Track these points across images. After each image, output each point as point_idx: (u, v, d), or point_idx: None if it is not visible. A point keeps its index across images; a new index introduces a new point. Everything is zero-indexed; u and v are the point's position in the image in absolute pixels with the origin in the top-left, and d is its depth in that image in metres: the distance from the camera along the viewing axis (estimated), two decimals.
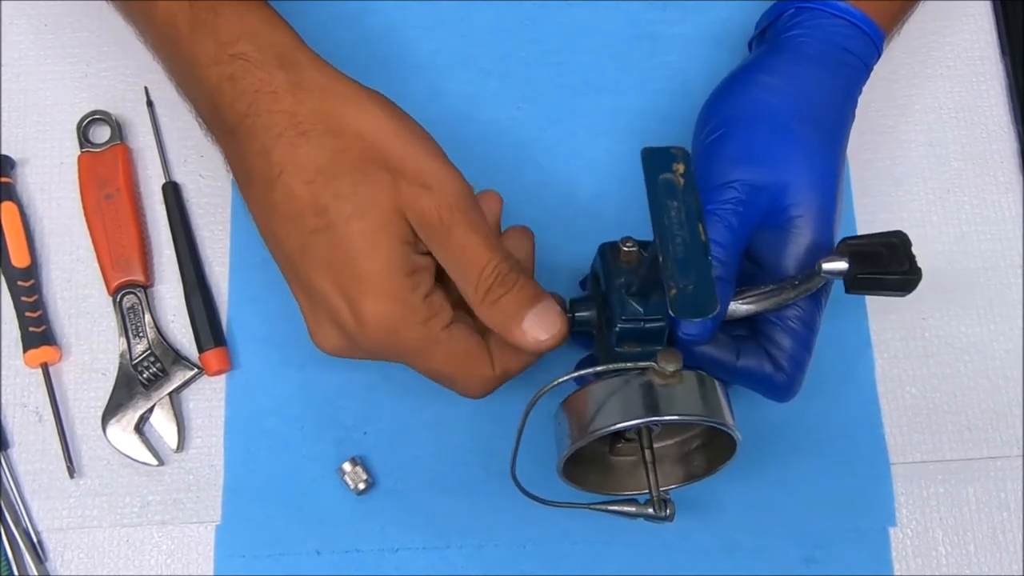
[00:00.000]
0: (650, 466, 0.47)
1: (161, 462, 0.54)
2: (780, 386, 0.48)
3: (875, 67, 0.53)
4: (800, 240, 0.49)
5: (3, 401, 0.56)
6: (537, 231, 0.51)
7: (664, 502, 0.47)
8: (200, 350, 0.55)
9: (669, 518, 0.46)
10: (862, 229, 0.57)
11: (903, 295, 0.47)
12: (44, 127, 0.60)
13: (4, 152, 0.59)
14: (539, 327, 0.46)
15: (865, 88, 0.53)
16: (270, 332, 0.56)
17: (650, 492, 0.46)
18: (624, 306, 0.46)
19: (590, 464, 0.50)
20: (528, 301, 0.46)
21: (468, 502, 0.54)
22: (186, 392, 0.56)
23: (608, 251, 0.48)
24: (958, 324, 0.57)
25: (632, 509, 0.47)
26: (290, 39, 0.48)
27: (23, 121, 0.60)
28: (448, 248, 0.45)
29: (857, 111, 0.52)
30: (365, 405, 0.55)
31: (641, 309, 0.46)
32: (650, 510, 0.46)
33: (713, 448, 0.50)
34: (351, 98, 0.46)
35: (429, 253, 0.46)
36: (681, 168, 0.43)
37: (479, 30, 0.60)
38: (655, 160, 0.43)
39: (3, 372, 0.56)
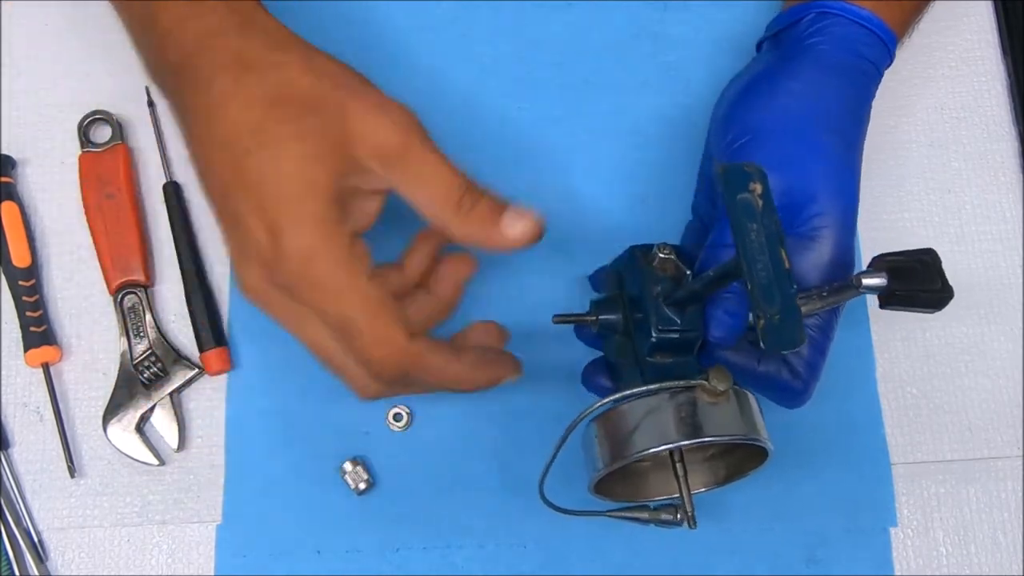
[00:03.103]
0: (682, 480, 0.47)
1: (162, 462, 0.54)
2: (796, 392, 0.48)
3: None
4: (823, 249, 0.48)
5: (4, 401, 0.56)
6: None
7: (676, 508, 0.47)
8: (201, 350, 0.55)
9: (694, 525, 0.46)
10: (863, 229, 0.57)
11: (934, 312, 0.47)
12: (45, 127, 0.60)
13: (5, 152, 0.59)
14: (518, 224, 0.46)
15: None
16: (271, 332, 0.56)
17: (684, 507, 0.46)
18: (661, 316, 0.46)
19: (616, 474, 0.49)
20: (499, 206, 0.46)
21: (469, 502, 0.54)
22: (187, 392, 0.56)
23: (641, 255, 0.48)
24: (958, 324, 0.57)
25: (668, 516, 0.47)
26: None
27: (24, 121, 0.60)
28: (413, 172, 0.45)
29: None
30: (366, 405, 0.55)
31: (679, 320, 0.46)
32: (681, 520, 0.47)
33: (737, 454, 0.49)
34: (297, 46, 0.47)
35: (371, 195, 0.46)
36: (759, 188, 0.41)
37: (480, 30, 0.60)
38: (732, 178, 0.42)
39: (4, 371, 0.56)
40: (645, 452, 0.43)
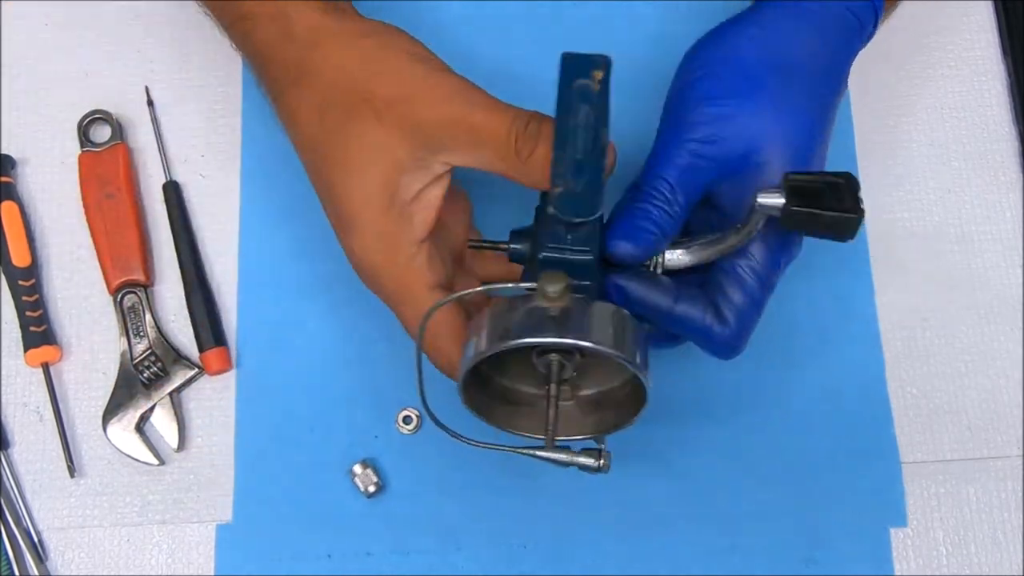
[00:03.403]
0: (552, 400, 0.44)
1: (162, 461, 0.54)
2: (721, 340, 0.47)
3: (876, 67, 0.53)
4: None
5: (3, 400, 0.56)
6: None
7: (599, 452, 0.45)
8: (200, 349, 0.55)
9: (604, 469, 0.45)
10: (865, 229, 0.57)
11: (843, 239, 0.44)
12: (45, 127, 0.60)
13: (4, 152, 0.59)
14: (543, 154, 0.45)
15: (866, 88, 0.53)
16: (281, 334, 0.56)
17: (547, 427, 0.44)
18: (547, 234, 0.44)
19: (497, 399, 0.48)
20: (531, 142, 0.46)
21: (480, 504, 0.54)
22: (187, 392, 0.56)
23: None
24: (958, 324, 0.57)
25: (587, 460, 0.45)
26: None
27: (23, 121, 0.60)
28: (464, 134, 0.46)
29: (858, 111, 0.52)
30: (376, 408, 0.55)
31: (569, 237, 0.44)
32: (581, 459, 0.45)
33: (614, 405, 0.48)
34: (332, 36, 0.48)
35: (429, 188, 0.47)
36: (600, 75, 0.41)
37: (484, 31, 0.60)
38: (575, 65, 0.42)
39: (3, 371, 0.56)
40: (504, 346, 0.41)
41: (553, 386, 0.44)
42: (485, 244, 0.49)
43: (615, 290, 0.46)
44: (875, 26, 0.52)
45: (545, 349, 0.44)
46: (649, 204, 0.46)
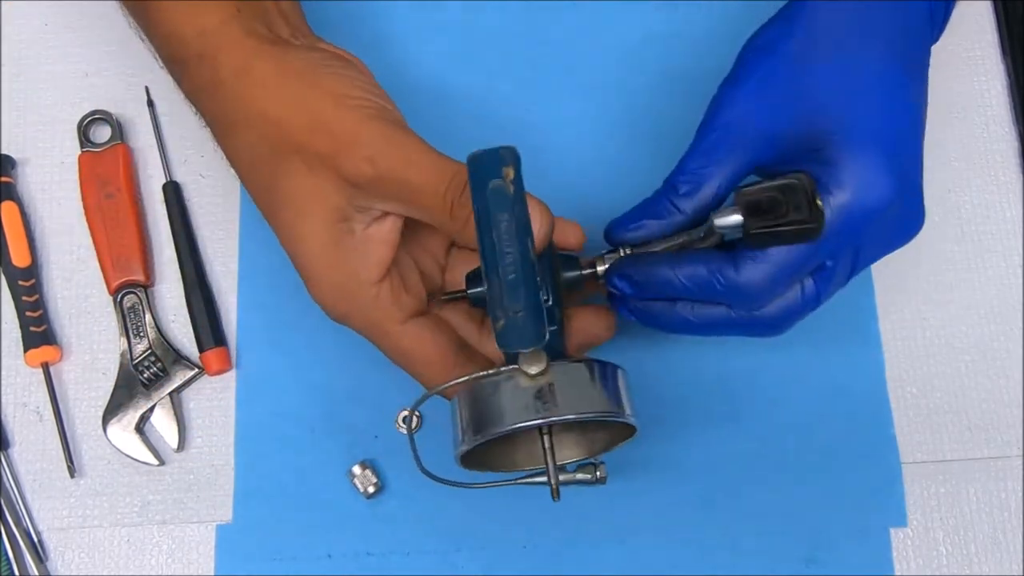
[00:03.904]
0: (548, 453, 0.44)
1: (162, 462, 0.54)
2: (736, 285, 0.45)
3: None
4: (846, 193, 0.43)
5: (3, 401, 0.56)
6: None
7: (594, 466, 0.46)
8: (200, 350, 0.55)
9: (602, 481, 0.45)
10: None
11: (810, 242, 0.43)
12: (44, 127, 0.60)
13: (4, 152, 0.59)
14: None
15: None
16: (280, 334, 0.56)
17: (549, 481, 0.44)
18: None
19: (486, 446, 0.46)
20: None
21: (480, 504, 0.54)
22: (187, 392, 0.56)
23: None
24: (958, 324, 0.57)
25: (564, 478, 0.45)
26: (214, 18, 0.47)
27: (23, 121, 0.60)
28: (397, 190, 0.44)
29: None
30: (375, 409, 0.55)
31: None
32: (579, 476, 0.45)
33: (612, 427, 0.48)
34: (259, 80, 0.46)
35: (379, 222, 0.46)
36: (511, 173, 0.39)
37: (486, 32, 0.60)
38: (483, 165, 0.39)
39: (3, 372, 0.56)
40: (495, 433, 0.41)
41: (547, 438, 0.45)
42: (457, 295, 0.48)
43: (618, 279, 0.46)
44: (944, 23, 0.50)
45: None
46: (662, 195, 0.46)
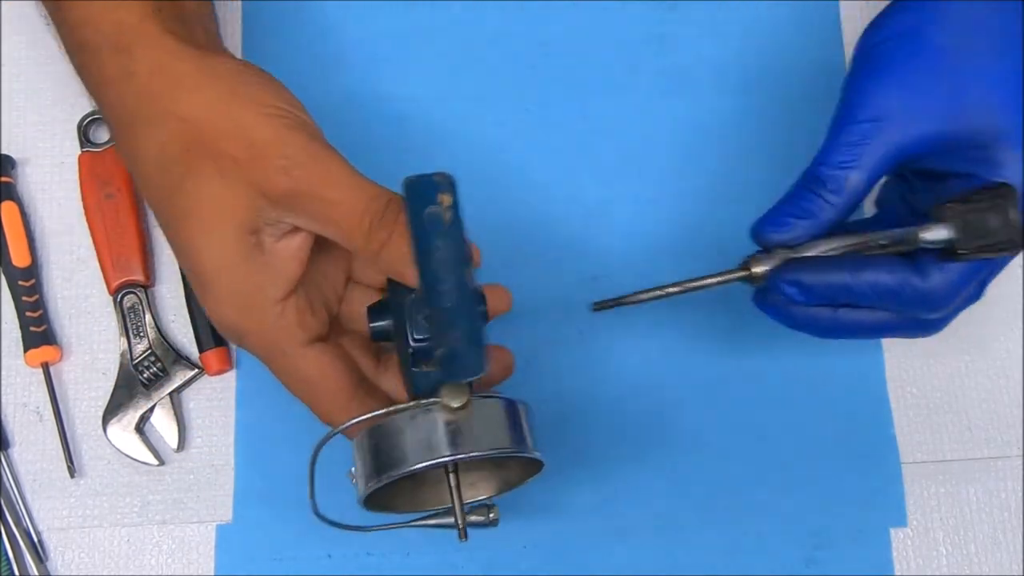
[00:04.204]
0: (455, 491, 0.43)
1: (162, 462, 0.54)
2: (921, 296, 0.43)
3: None
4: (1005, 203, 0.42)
5: (3, 401, 0.56)
6: (543, 234, 0.51)
7: (487, 508, 0.45)
8: (200, 350, 0.55)
9: (494, 523, 0.45)
10: None
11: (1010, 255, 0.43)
12: (44, 127, 0.60)
13: (4, 152, 0.59)
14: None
15: None
16: None
17: (456, 521, 0.43)
18: (417, 323, 0.41)
19: (391, 485, 0.43)
20: (407, 238, 0.42)
21: None
22: (187, 392, 0.56)
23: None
24: (958, 324, 0.57)
25: (478, 518, 0.45)
26: (133, 14, 0.45)
27: (23, 121, 0.60)
28: (313, 206, 0.42)
29: None
30: None
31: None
32: (473, 518, 0.44)
33: (519, 462, 0.46)
34: (176, 78, 0.44)
35: (288, 237, 0.43)
36: (448, 199, 0.38)
37: (486, 32, 0.60)
38: (419, 190, 0.38)
39: (3, 372, 0.56)
40: (399, 474, 0.40)
41: (452, 476, 0.43)
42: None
43: (788, 285, 0.44)
44: None
45: None
46: (805, 193, 0.44)
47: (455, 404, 0.39)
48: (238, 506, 0.54)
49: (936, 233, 0.42)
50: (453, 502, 0.43)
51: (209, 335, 0.55)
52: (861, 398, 0.55)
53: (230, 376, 0.56)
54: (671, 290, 0.46)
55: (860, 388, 0.55)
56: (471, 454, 0.40)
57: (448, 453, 0.40)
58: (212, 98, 0.43)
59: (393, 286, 0.44)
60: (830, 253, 0.45)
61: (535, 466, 0.44)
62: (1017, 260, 0.58)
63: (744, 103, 0.59)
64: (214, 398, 0.56)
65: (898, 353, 0.56)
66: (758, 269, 0.46)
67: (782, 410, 0.55)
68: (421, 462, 0.40)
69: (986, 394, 0.56)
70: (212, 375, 0.56)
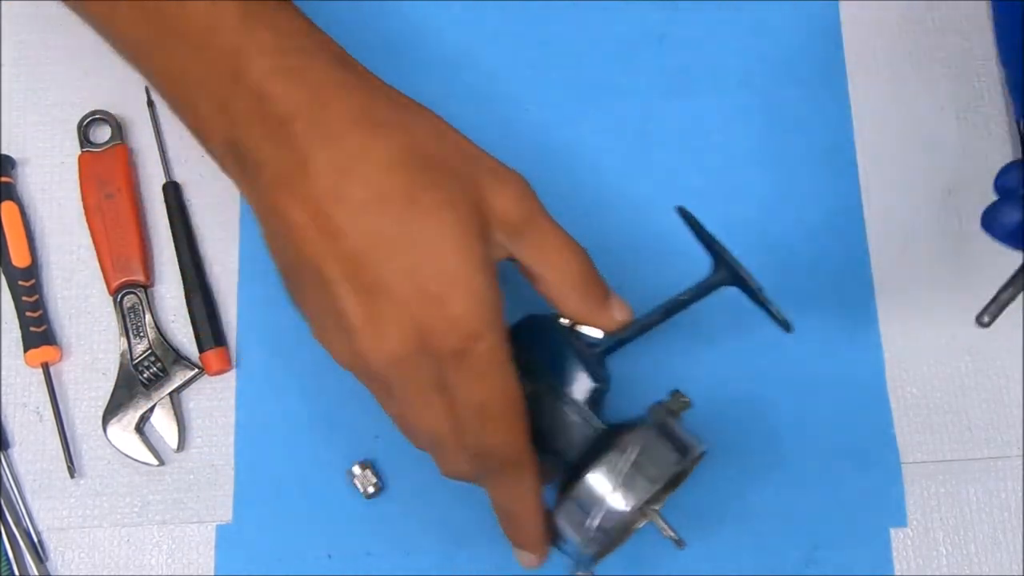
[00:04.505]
0: (659, 517, 0.47)
1: (162, 462, 0.54)
2: None
3: (876, 68, 0.52)
4: None
5: (3, 401, 0.56)
6: None
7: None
8: (200, 350, 0.55)
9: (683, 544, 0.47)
10: (866, 230, 0.57)
11: None
12: (44, 127, 0.60)
13: (4, 152, 0.59)
14: (621, 309, 0.47)
15: (866, 89, 0.52)
16: (280, 334, 0.56)
17: (670, 536, 0.47)
18: (593, 369, 0.46)
19: None
20: (606, 290, 0.47)
21: (481, 504, 0.53)
22: (187, 392, 0.56)
23: (542, 321, 0.47)
24: (958, 324, 0.57)
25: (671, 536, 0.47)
26: (339, 46, 0.46)
27: (23, 121, 0.60)
28: (537, 246, 0.44)
29: (858, 113, 0.52)
30: (375, 409, 0.55)
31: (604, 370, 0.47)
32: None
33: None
34: (418, 108, 0.45)
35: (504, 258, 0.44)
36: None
37: (486, 32, 0.60)
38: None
39: (3, 372, 0.56)
40: (641, 501, 0.43)
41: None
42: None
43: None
44: None
45: None
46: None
47: (685, 397, 0.46)
48: (238, 506, 0.54)
49: None
50: (660, 524, 0.47)
51: (209, 335, 0.55)
52: (861, 398, 0.55)
53: (230, 376, 0.56)
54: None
55: (860, 388, 0.55)
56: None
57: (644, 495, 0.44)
58: (429, 127, 0.44)
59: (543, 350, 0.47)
60: None
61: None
62: (1017, 260, 0.58)
63: (744, 103, 0.59)
64: (214, 398, 0.56)
65: (898, 353, 0.56)
66: None
67: (782, 410, 0.55)
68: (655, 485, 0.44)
69: (986, 394, 0.56)
70: (212, 375, 0.56)
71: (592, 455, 0.44)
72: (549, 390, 0.46)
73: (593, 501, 0.43)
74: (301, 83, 0.42)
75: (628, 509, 0.43)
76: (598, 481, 0.43)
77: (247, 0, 0.44)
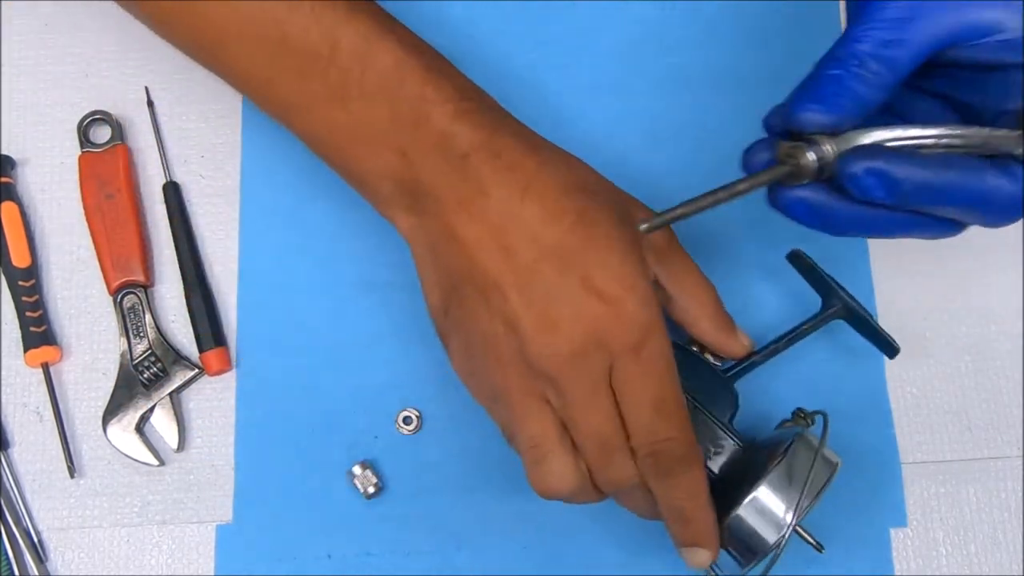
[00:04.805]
0: (801, 529, 0.48)
1: (161, 462, 0.54)
2: (1009, 198, 0.41)
3: None
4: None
5: (3, 401, 0.56)
6: None
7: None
8: (200, 350, 0.55)
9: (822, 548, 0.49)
10: None
11: None
12: (44, 127, 0.60)
13: (4, 152, 0.59)
14: (745, 337, 0.51)
15: None
16: (280, 334, 0.56)
17: (810, 542, 0.48)
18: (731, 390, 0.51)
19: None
20: (731, 320, 0.51)
21: (480, 505, 0.54)
22: (187, 392, 0.56)
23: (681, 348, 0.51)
24: (958, 324, 0.57)
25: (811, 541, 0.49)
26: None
27: (23, 121, 0.60)
28: (677, 272, 0.49)
29: None
30: (375, 409, 0.55)
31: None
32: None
33: None
34: (560, 148, 0.48)
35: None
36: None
37: (484, 32, 0.60)
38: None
39: (3, 372, 0.56)
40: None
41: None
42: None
43: (868, 176, 0.39)
44: None
45: None
46: (841, 70, 0.40)
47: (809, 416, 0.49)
48: (238, 506, 0.54)
49: None
50: (802, 533, 0.48)
51: (209, 335, 0.55)
52: (861, 398, 0.55)
53: (230, 376, 0.56)
54: (720, 195, 0.42)
55: (860, 388, 0.55)
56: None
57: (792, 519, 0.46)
58: (583, 164, 0.48)
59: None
60: (893, 142, 0.40)
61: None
62: (1017, 260, 0.58)
63: (744, 103, 0.59)
64: (214, 398, 0.56)
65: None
66: (806, 160, 0.40)
67: (782, 410, 0.55)
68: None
69: (986, 394, 0.56)
70: (212, 375, 0.56)
71: (739, 470, 0.48)
72: (695, 408, 0.49)
73: (765, 516, 0.46)
74: (479, 124, 0.46)
75: (795, 521, 0.46)
76: (768, 496, 0.46)
77: (427, 56, 0.48)
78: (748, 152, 0.45)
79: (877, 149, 0.40)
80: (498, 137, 0.46)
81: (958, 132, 0.39)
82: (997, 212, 0.42)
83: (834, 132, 0.41)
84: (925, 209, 0.42)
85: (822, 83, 0.41)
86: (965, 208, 0.42)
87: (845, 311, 0.52)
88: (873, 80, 0.40)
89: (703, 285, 0.50)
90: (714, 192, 0.41)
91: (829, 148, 0.40)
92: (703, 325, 0.50)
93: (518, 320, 0.43)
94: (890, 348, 0.52)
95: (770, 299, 0.57)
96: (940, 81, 0.44)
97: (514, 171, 0.45)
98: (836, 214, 0.42)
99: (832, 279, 0.51)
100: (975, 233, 0.58)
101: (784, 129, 0.43)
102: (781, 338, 0.52)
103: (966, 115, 0.44)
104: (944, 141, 0.39)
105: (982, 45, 0.41)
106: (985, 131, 0.39)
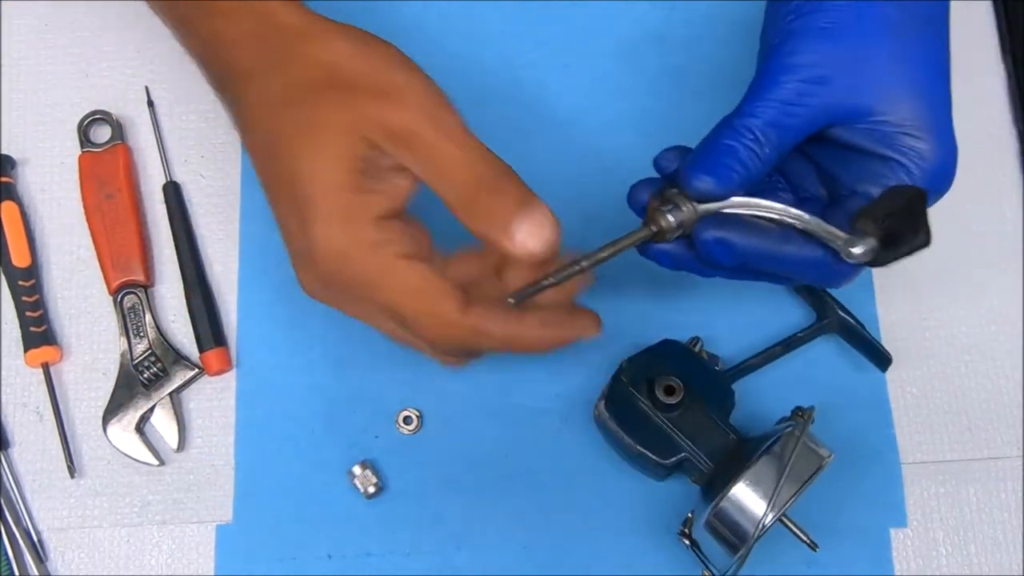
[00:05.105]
0: (790, 522, 0.50)
1: (161, 462, 0.54)
2: (841, 270, 0.45)
3: None
4: (906, 165, 0.44)
5: (3, 401, 0.56)
6: None
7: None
8: (201, 350, 0.55)
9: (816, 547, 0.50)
10: None
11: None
12: (45, 127, 0.60)
13: (4, 152, 0.59)
14: (529, 235, 0.42)
15: None
16: (281, 335, 0.56)
17: (803, 539, 0.50)
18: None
19: None
20: (515, 206, 0.42)
21: (480, 504, 0.54)
22: (187, 392, 0.56)
23: (679, 346, 0.54)
24: (958, 324, 0.57)
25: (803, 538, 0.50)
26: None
27: (23, 121, 0.60)
28: (422, 158, 0.43)
29: None
30: (375, 409, 0.55)
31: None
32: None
33: None
34: (313, 33, 0.46)
35: (396, 173, 0.44)
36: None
37: (485, 32, 0.60)
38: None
39: (4, 372, 0.56)
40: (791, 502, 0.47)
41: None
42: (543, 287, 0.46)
43: (715, 244, 0.44)
44: None
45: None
46: (735, 141, 0.44)
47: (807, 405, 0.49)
48: (238, 506, 0.54)
49: (861, 248, 0.44)
50: (797, 532, 0.50)
51: (209, 335, 0.55)
52: (861, 398, 0.55)
53: (230, 376, 0.56)
54: (584, 263, 0.44)
55: (860, 388, 0.55)
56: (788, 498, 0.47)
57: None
58: (350, 47, 0.46)
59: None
60: (746, 213, 0.44)
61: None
62: (1017, 260, 0.58)
63: None
64: (214, 398, 0.56)
65: (898, 353, 0.56)
66: (667, 223, 0.44)
67: (783, 410, 0.55)
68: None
69: (986, 394, 0.56)
70: (212, 375, 0.56)
71: (734, 462, 0.48)
72: (694, 403, 0.50)
73: (750, 504, 0.47)
74: (223, 43, 0.47)
75: (774, 508, 0.46)
76: (751, 487, 0.47)
77: None
78: (632, 189, 0.48)
79: (728, 220, 0.44)
80: (234, 57, 0.47)
81: (803, 216, 0.44)
82: (825, 282, 0.48)
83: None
84: (765, 270, 0.46)
85: (717, 152, 0.44)
86: (797, 277, 0.47)
87: (838, 325, 0.55)
88: (762, 155, 0.44)
89: (450, 167, 0.43)
90: (577, 260, 0.44)
91: (689, 212, 0.44)
92: (454, 208, 0.43)
93: (284, 241, 0.46)
94: (882, 360, 0.54)
95: (770, 299, 0.56)
96: (815, 150, 0.47)
97: (244, 100, 0.46)
98: (695, 266, 0.46)
99: (827, 294, 0.54)
100: (975, 234, 0.58)
101: (671, 173, 0.46)
102: (776, 345, 0.54)
103: (831, 185, 0.47)
104: (788, 220, 0.44)
105: (855, 129, 0.45)
106: (824, 225, 0.44)
